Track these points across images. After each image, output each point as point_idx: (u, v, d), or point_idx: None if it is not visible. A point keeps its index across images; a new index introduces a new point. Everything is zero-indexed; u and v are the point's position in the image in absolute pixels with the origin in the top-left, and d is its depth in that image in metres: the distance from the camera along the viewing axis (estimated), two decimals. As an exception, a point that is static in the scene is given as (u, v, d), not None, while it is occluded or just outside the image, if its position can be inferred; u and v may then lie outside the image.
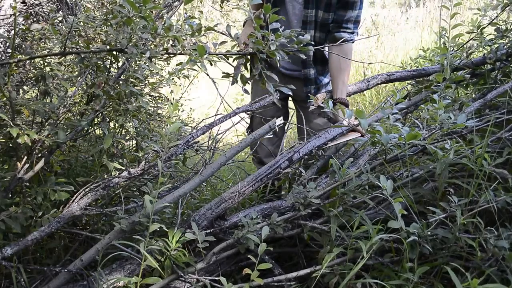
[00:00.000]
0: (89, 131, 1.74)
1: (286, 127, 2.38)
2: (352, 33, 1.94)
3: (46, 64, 1.67)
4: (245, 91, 1.64)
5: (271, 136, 2.00)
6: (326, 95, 1.97)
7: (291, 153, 1.73)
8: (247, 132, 2.33)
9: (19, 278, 1.32)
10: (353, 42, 1.96)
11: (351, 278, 1.31)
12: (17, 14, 1.46)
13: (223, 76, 1.83)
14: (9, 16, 2.10)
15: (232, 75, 1.66)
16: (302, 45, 1.53)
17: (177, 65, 1.40)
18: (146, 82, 2.26)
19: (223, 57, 1.65)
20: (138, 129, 1.84)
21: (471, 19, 2.26)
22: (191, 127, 2.00)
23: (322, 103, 1.63)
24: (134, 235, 1.34)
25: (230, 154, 1.56)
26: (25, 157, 1.42)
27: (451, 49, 2.12)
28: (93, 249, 1.37)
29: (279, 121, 1.67)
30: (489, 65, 2.14)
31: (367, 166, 1.48)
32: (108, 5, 1.98)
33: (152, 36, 1.36)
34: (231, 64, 1.63)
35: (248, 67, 1.64)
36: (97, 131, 1.90)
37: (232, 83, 1.64)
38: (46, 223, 1.37)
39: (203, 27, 1.45)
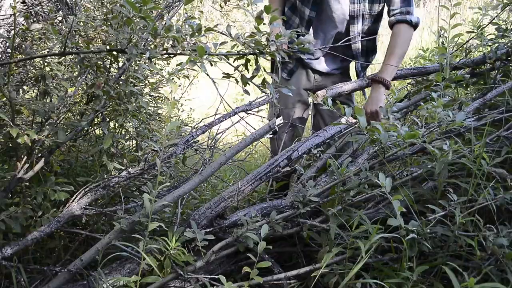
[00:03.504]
0: (89, 131, 1.74)
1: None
2: (401, 13, 1.94)
3: (46, 64, 1.67)
4: (245, 91, 1.64)
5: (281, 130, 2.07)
6: (326, 92, 1.97)
7: (289, 151, 1.73)
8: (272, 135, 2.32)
9: (19, 278, 1.33)
10: (412, 25, 1.95)
11: (351, 278, 1.31)
12: (17, 14, 1.46)
13: (223, 77, 1.83)
14: (9, 16, 2.10)
15: (232, 75, 1.68)
16: (303, 45, 1.53)
17: (177, 65, 1.40)
18: (146, 82, 2.26)
19: (223, 57, 1.65)
20: (138, 129, 1.84)
21: (471, 18, 2.25)
22: (191, 127, 2.00)
23: (321, 100, 1.63)
24: (134, 234, 1.34)
25: (230, 153, 1.57)
26: (25, 157, 1.42)
27: (451, 49, 2.12)
28: (93, 248, 1.37)
29: (279, 120, 1.67)
30: (489, 65, 2.14)
31: (366, 164, 1.48)
32: (108, 5, 1.98)
33: (152, 36, 1.36)
34: (231, 64, 1.63)
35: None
36: (97, 131, 1.91)
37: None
38: (46, 223, 1.38)
39: (203, 27, 1.45)
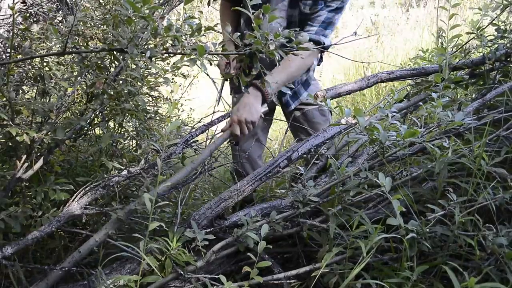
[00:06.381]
0: (89, 131, 1.74)
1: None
2: (316, 33, 1.64)
3: (45, 64, 1.67)
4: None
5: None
6: (325, 93, 1.98)
7: (289, 152, 1.73)
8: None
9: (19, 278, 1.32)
10: (323, 49, 1.66)
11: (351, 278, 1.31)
12: (16, 14, 1.46)
13: (222, 76, 1.84)
14: (9, 16, 2.10)
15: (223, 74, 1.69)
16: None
17: (174, 63, 1.41)
18: (145, 81, 2.26)
19: (223, 57, 1.65)
20: (138, 129, 1.84)
21: (471, 19, 2.26)
22: (191, 126, 2.01)
23: (321, 101, 1.63)
24: (134, 234, 1.34)
25: (219, 142, 1.59)
26: (25, 157, 1.42)
27: (450, 50, 2.12)
28: (91, 240, 1.36)
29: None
30: (488, 65, 2.15)
31: (365, 165, 1.48)
32: (106, 5, 1.98)
33: (152, 35, 1.36)
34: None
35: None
36: (97, 131, 1.91)
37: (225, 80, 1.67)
38: (46, 222, 1.37)
39: (203, 27, 1.45)
